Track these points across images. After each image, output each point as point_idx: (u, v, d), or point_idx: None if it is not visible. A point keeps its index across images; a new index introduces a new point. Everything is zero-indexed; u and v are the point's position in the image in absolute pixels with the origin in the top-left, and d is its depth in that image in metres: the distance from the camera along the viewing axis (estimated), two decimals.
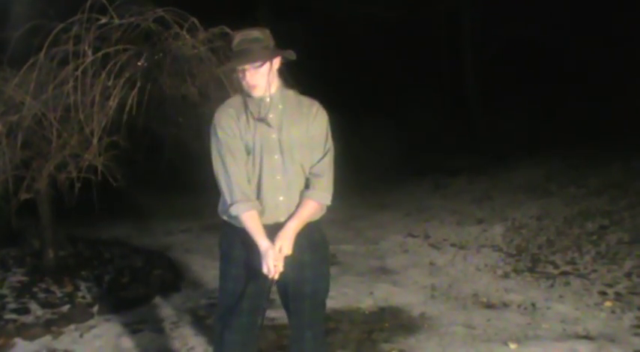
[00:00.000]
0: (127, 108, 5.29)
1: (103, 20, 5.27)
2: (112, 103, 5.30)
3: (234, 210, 3.07)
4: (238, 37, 3.07)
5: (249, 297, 3.17)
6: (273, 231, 3.07)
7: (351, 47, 15.75)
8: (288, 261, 3.05)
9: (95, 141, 5.30)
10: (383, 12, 15.36)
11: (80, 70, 5.17)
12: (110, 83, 5.28)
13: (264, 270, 2.99)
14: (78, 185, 5.55)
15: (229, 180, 3.08)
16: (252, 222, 3.06)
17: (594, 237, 7.27)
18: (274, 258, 2.98)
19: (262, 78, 3.06)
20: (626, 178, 9.23)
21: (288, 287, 3.23)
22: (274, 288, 3.16)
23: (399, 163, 12.99)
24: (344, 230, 8.37)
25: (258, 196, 3.11)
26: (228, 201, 3.10)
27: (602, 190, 8.97)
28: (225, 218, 3.22)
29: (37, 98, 5.30)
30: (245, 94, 3.14)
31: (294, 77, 4.91)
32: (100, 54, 5.27)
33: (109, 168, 5.59)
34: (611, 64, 13.60)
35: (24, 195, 5.76)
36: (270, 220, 3.12)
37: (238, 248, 3.18)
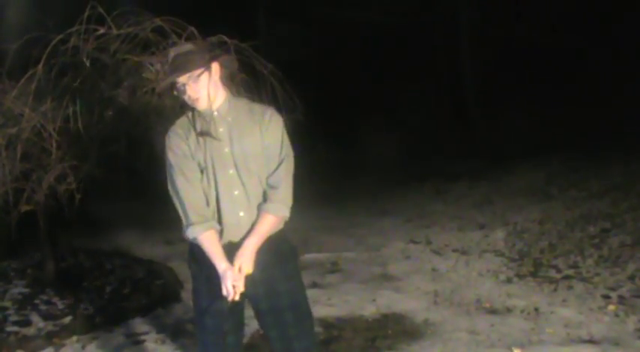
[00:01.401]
0: (126, 118, 5.29)
1: (101, 31, 5.27)
2: (111, 114, 5.30)
3: (190, 233, 3.01)
4: (172, 52, 3.02)
5: (225, 316, 3.03)
6: (238, 248, 3.00)
7: (350, 50, 15.77)
8: (258, 278, 2.99)
9: (94, 152, 5.30)
10: (382, 15, 15.39)
11: (79, 81, 5.17)
12: (109, 94, 5.28)
13: (224, 292, 2.92)
14: (78, 196, 5.55)
15: (182, 203, 3.03)
16: (209, 243, 2.99)
17: (596, 241, 7.26)
18: (233, 279, 2.91)
19: (203, 89, 2.99)
20: (627, 180, 9.22)
21: (261, 303, 3.14)
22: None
23: (399, 169, 12.98)
24: (345, 237, 8.34)
25: (218, 214, 3.05)
26: (184, 224, 3.04)
27: (603, 193, 8.96)
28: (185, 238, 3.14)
29: (36, 110, 5.30)
30: (191, 111, 3.08)
31: (291, 82, 4.92)
32: (98, 65, 5.27)
33: (109, 178, 5.59)
34: (611, 66, 13.62)
35: (24, 207, 5.75)
36: (235, 237, 3.05)
37: (205, 266, 3.06)
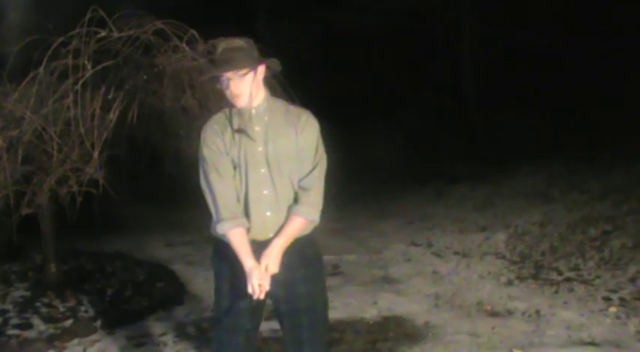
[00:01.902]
0: (128, 121, 5.29)
1: (103, 33, 5.27)
2: (113, 117, 5.30)
3: (219, 229, 3.03)
4: (222, 45, 3.02)
5: (246, 315, 3.11)
6: (263, 246, 3.01)
7: (350, 53, 15.77)
8: (280, 279, 3.00)
9: (96, 154, 5.30)
10: (383, 19, 15.40)
11: (80, 83, 5.18)
12: (110, 96, 5.28)
13: (249, 290, 2.93)
14: (79, 199, 5.55)
15: (215, 198, 3.04)
16: (237, 240, 3.00)
17: (597, 243, 7.26)
18: (259, 278, 2.92)
19: (246, 87, 2.99)
20: (628, 183, 9.22)
21: (281, 305, 3.16)
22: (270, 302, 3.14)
23: (400, 171, 12.98)
24: (346, 239, 8.34)
25: (246, 212, 3.06)
26: (215, 219, 3.06)
27: (604, 195, 8.96)
28: (214, 234, 3.16)
29: (37, 112, 5.30)
30: (229, 106, 3.09)
31: (291, 83, 4.92)
32: (99, 67, 5.28)
33: (111, 181, 5.58)
34: (612, 69, 13.61)
35: (25, 210, 5.75)
36: (260, 236, 3.06)
37: (230, 264, 3.10)
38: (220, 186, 3.04)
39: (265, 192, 3.04)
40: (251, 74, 3.00)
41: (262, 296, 2.95)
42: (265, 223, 3.06)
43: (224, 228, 3.02)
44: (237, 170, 3.05)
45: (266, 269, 2.96)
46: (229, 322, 3.13)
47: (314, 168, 3.07)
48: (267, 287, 2.94)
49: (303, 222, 3.08)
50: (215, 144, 3.05)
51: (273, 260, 2.98)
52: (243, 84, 2.99)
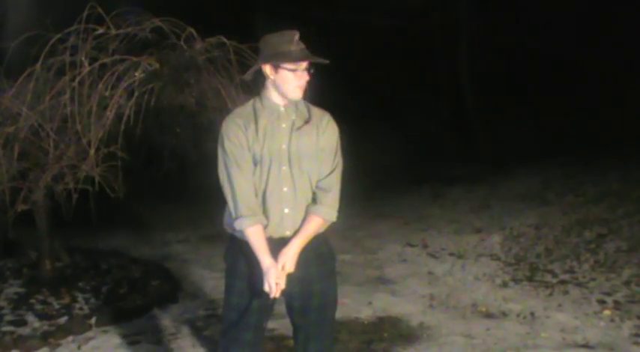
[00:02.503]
0: (125, 118, 5.28)
1: (100, 30, 5.27)
2: (110, 114, 5.29)
3: (238, 225, 3.01)
4: (296, 36, 3.02)
5: (255, 312, 3.10)
6: (278, 244, 3.02)
7: (349, 55, 15.76)
8: (295, 275, 3.01)
9: (92, 151, 5.29)
10: (382, 20, 15.41)
11: (77, 80, 5.17)
12: (107, 93, 5.27)
13: (266, 288, 2.94)
14: (75, 196, 5.54)
15: (234, 194, 3.02)
16: (256, 237, 3.00)
17: (592, 246, 7.27)
18: (276, 276, 2.93)
19: (305, 80, 3.04)
20: (624, 187, 9.23)
21: (294, 301, 3.17)
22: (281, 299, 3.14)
23: (397, 172, 12.99)
24: (342, 239, 8.34)
25: (264, 208, 3.05)
26: (233, 215, 3.03)
27: (600, 199, 8.97)
28: (229, 230, 3.16)
29: (33, 109, 5.30)
30: (253, 102, 3.10)
31: None
32: (97, 64, 5.27)
33: (107, 178, 5.58)
34: (610, 73, 13.63)
35: (21, 207, 5.74)
36: (276, 233, 3.06)
37: (243, 262, 3.11)
38: (241, 181, 3.02)
39: (285, 189, 3.05)
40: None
41: (278, 295, 2.97)
42: (283, 220, 3.07)
43: (243, 224, 3.01)
44: (259, 166, 3.04)
45: (283, 268, 2.97)
46: (239, 319, 3.12)
47: (333, 170, 3.10)
48: (283, 286, 2.96)
49: (322, 222, 3.10)
50: (237, 138, 3.03)
51: (290, 259, 2.99)
52: (306, 77, 3.04)
